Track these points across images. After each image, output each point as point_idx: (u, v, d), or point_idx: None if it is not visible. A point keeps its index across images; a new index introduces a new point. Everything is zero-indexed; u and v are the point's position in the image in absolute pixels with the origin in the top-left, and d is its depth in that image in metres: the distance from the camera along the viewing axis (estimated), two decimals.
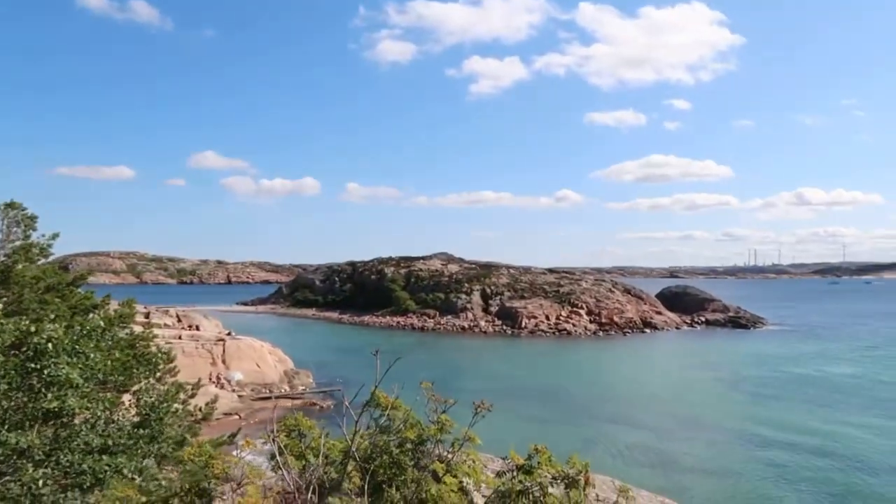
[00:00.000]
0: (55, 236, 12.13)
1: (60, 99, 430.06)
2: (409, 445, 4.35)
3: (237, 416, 39.97)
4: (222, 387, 45.37)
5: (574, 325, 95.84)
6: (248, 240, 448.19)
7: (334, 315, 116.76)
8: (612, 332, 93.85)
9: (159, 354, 12.13)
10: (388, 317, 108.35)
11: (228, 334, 54.14)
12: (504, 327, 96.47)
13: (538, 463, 4.07)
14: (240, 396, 44.37)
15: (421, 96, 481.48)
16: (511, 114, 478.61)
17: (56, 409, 6.53)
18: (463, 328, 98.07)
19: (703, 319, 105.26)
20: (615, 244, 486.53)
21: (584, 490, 3.93)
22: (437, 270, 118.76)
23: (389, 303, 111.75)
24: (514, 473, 3.94)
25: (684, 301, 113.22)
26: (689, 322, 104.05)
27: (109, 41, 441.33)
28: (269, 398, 44.93)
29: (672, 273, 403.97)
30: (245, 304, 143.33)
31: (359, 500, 3.70)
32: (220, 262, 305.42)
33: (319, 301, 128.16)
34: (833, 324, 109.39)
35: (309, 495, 3.60)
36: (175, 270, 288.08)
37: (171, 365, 14.05)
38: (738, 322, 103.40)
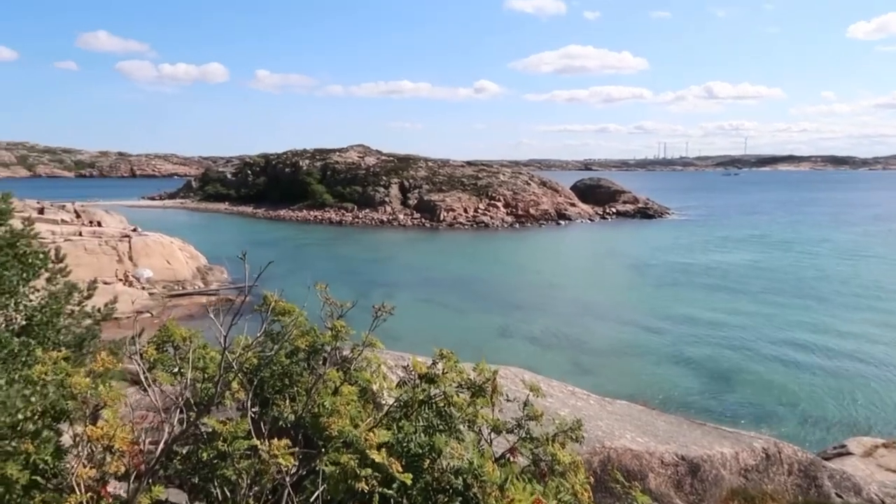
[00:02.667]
0: None
1: None
2: (301, 355, 3.96)
3: (149, 315, 38.84)
4: (131, 284, 43.73)
5: (492, 217, 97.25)
6: (152, 130, 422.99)
7: (248, 209, 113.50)
8: (528, 224, 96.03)
9: (40, 254, 11.16)
10: (304, 211, 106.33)
11: (134, 230, 51.59)
12: (423, 220, 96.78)
13: (442, 371, 3.79)
14: (150, 294, 42.96)
15: None
16: None
17: None
18: (381, 222, 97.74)
19: (614, 211, 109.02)
20: (533, 136, 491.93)
21: (492, 398, 3.71)
22: (353, 163, 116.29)
23: (305, 196, 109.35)
24: (417, 382, 3.65)
25: (597, 193, 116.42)
26: (601, 213, 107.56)
27: None
28: (182, 295, 43.82)
29: (587, 166, 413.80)
30: (152, 198, 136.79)
31: (239, 415, 3.33)
32: (121, 154, 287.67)
33: (232, 195, 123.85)
34: (732, 213, 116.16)
35: (177, 415, 3.19)
36: (72, 163, 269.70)
37: (62, 265, 13.05)
38: (647, 213, 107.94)
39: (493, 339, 35.08)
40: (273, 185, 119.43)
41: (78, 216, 52.69)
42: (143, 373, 3.22)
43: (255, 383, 3.81)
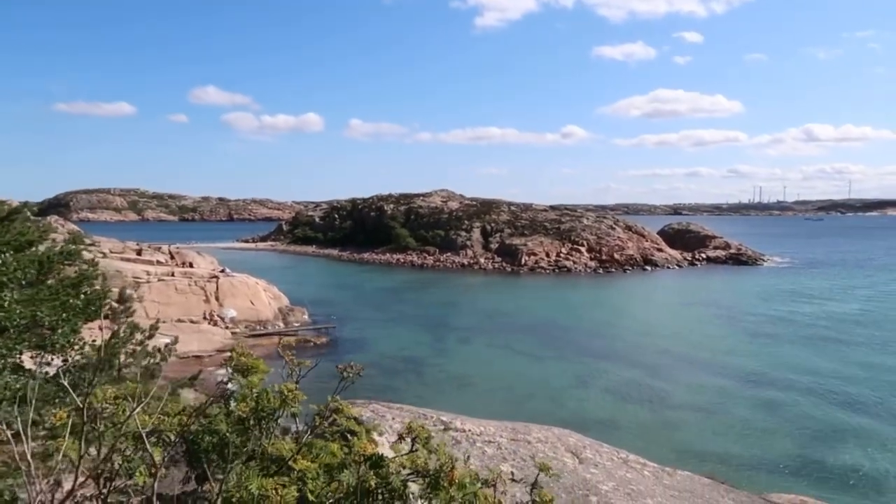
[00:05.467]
0: None
1: (59, 33, 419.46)
2: (251, 422, 3.46)
3: (229, 354, 39.79)
4: (215, 324, 45.16)
5: (574, 262, 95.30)
6: (251, 177, 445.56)
7: (334, 252, 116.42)
8: (613, 270, 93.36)
9: (101, 295, 11.35)
10: (387, 254, 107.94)
11: (222, 271, 53.60)
12: (504, 264, 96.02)
13: (412, 448, 3.17)
14: (233, 334, 44.14)
15: (425, 30, 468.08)
16: (517, 48, 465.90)
17: None
18: (463, 265, 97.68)
19: (704, 256, 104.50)
20: (620, 181, 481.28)
21: (449, 491, 3.05)
22: (437, 207, 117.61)
23: (389, 240, 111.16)
24: (364, 466, 3.06)
25: (686, 238, 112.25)
26: (689, 259, 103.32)
27: None
28: (262, 335, 44.78)
29: (676, 210, 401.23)
30: (245, 241, 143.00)
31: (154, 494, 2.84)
32: (221, 200, 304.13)
33: (319, 238, 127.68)
34: (836, 260, 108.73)
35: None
36: (177, 207, 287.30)
37: (127, 304, 13.38)
38: (740, 259, 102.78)
39: (567, 388, 33.65)
40: (359, 228, 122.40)
41: (172, 257, 55.35)
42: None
43: (190, 453, 3.36)
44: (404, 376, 36.05)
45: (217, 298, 48.14)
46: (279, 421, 3.85)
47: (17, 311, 6.92)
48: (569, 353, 41.90)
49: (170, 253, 56.26)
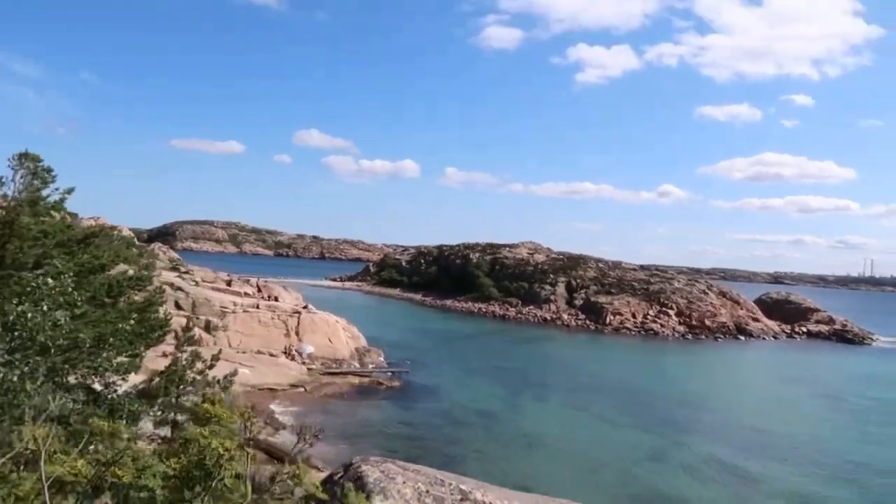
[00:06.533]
0: (70, 191, 11.59)
1: (177, 74, 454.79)
2: (185, 480, 3.01)
3: (303, 389, 40.18)
4: (293, 358, 45.87)
5: (662, 325, 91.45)
6: (345, 217, 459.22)
7: (417, 296, 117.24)
8: (703, 336, 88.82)
9: (163, 322, 11.48)
10: (469, 302, 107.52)
11: (305, 307, 54.72)
12: (587, 322, 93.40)
13: None
14: (309, 369, 44.63)
15: (524, 84, 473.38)
16: (617, 105, 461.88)
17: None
18: (545, 319, 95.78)
19: (804, 330, 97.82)
20: (717, 245, 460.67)
21: None
22: (522, 259, 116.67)
23: (472, 288, 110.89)
24: None
25: (785, 309, 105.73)
26: (788, 332, 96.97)
27: (227, 21, 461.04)
28: (336, 374, 45.02)
29: (777, 279, 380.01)
30: (333, 279, 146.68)
31: None
32: (315, 238, 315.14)
33: (404, 281, 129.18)
34: None
35: None
36: (273, 242, 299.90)
37: (190, 333, 13.59)
38: (845, 336, 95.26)
39: (641, 461, 31.56)
40: (443, 274, 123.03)
41: (259, 290, 57.15)
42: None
43: None
44: (472, 429, 35.04)
45: (297, 333, 49.04)
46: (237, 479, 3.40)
47: (63, 332, 6.91)
48: (648, 421, 39.59)
49: (257, 286, 58.16)
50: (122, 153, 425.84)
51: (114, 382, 8.79)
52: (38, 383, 6.54)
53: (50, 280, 7.14)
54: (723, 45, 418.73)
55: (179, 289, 49.85)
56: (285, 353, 46.30)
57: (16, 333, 6.77)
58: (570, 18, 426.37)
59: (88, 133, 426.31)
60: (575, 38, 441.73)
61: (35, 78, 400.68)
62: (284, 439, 29.14)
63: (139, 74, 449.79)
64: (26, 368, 6.42)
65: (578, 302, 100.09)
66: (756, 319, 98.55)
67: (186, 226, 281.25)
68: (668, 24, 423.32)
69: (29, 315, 6.68)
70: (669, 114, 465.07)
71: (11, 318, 6.71)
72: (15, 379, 5.87)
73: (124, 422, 6.89)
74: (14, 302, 6.51)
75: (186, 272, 56.14)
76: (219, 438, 3.50)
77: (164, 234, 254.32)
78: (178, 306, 47.78)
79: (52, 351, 6.92)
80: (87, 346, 7.74)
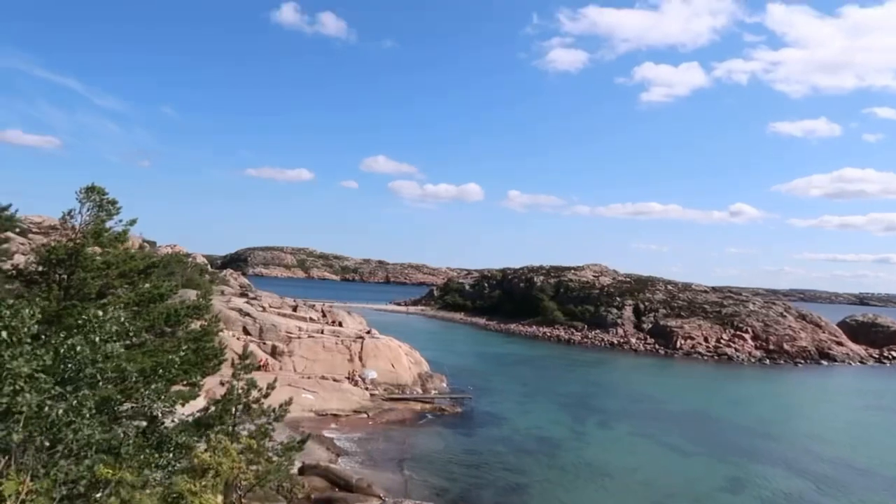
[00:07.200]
0: (132, 222, 12.02)
1: (250, 106, 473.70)
2: None
3: (365, 415, 40.29)
4: (356, 384, 46.16)
5: (737, 349, 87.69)
6: (410, 241, 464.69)
7: (481, 321, 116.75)
8: (781, 362, 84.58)
9: (218, 351, 11.65)
10: (534, 326, 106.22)
11: (368, 332, 55.23)
12: (657, 346, 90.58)
13: None
14: (372, 395, 44.79)
15: (589, 105, 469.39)
16: (684, 123, 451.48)
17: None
18: (611, 344, 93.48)
19: (894, 355, 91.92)
20: (795, 265, 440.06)
21: None
22: (588, 282, 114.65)
23: (537, 312, 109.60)
24: None
25: (872, 332, 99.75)
26: (876, 357, 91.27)
27: (297, 54, 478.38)
28: (399, 399, 45.01)
29: (862, 300, 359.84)
30: (398, 303, 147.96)
31: None
32: (380, 262, 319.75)
33: (468, 306, 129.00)
34: None
35: None
36: (339, 267, 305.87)
37: (247, 361, 13.73)
38: None
39: (714, 492, 29.99)
40: (507, 298, 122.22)
41: (324, 315, 58.07)
42: None
43: None
44: (535, 457, 34.22)
45: (360, 359, 49.43)
46: None
47: (112, 365, 7.05)
48: (722, 451, 37.75)
49: (322, 311, 59.12)
50: (199, 183, 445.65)
51: (166, 413, 8.90)
52: (87, 416, 6.65)
53: (100, 312, 7.33)
54: (797, 59, 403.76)
55: (248, 314, 51.23)
56: (348, 378, 46.67)
57: (66, 366, 6.94)
58: (635, 38, 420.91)
59: (168, 164, 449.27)
60: (640, 57, 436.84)
61: (119, 112, 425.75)
62: (345, 466, 29.24)
63: (215, 107, 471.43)
64: (75, 402, 6.54)
65: (647, 325, 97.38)
66: (840, 343, 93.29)
67: (258, 252, 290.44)
68: (738, 39, 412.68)
69: (77, 348, 6.86)
70: (741, 131, 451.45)
71: (63, 350, 6.89)
72: (60, 412, 5.98)
73: (164, 455, 6.94)
74: (62, 335, 6.69)
75: (254, 297, 57.64)
76: (205, 496, 3.40)
77: (237, 261, 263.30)
78: (245, 331, 49.08)
79: (101, 383, 7.08)
80: (134, 378, 7.92)
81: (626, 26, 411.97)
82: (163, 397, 8.19)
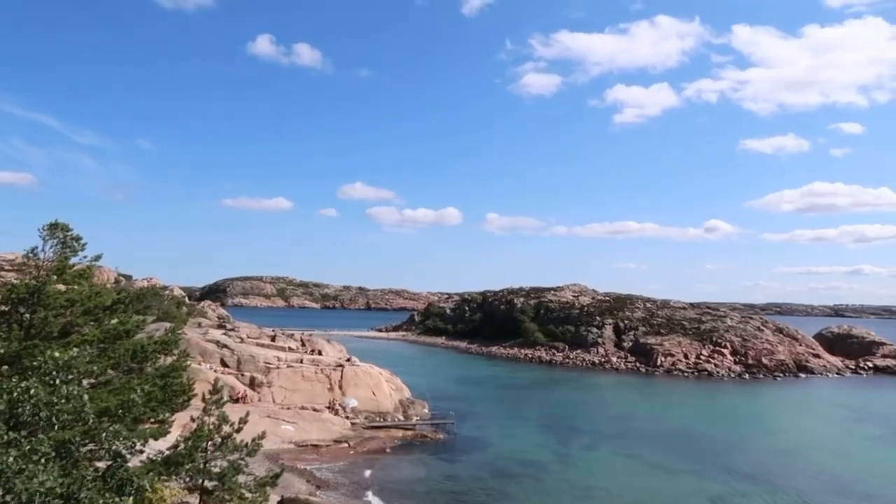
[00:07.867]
0: (97, 258, 11.79)
1: (226, 137, 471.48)
2: None
3: (346, 445, 39.68)
4: (336, 413, 45.52)
5: (716, 365, 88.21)
6: (390, 267, 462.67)
7: (462, 344, 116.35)
8: (760, 376, 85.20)
9: (186, 388, 11.39)
10: (515, 348, 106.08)
11: (348, 360, 54.67)
12: (637, 364, 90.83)
13: None
14: (353, 424, 44.18)
15: (563, 127, 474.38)
16: (657, 142, 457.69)
17: None
18: (593, 363, 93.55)
19: (870, 365, 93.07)
20: (770, 279, 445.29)
21: None
22: (567, 302, 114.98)
23: (518, 334, 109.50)
24: None
25: (848, 344, 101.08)
26: (853, 368, 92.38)
27: (275, 83, 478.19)
28: (380, 427, 44.44)
29: (837, 312, 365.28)
30: (379, 329, 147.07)
31: None
32: (361, 289, 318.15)
33: (449, 330, 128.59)
34: None
35: None
36: (319, 295, 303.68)
37: (217, 396, 13.41)
38: None
39: None
40: (488, 321, 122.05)
41: (303, 344, 57.44)
42: None
43: None
44: (520, 481, 33.90)
45: (340, 387, 48.85)
46: None
47: (70, 406, 6.83)
48: (706, 468, 37.73)
49: (301, 340, 58.47)
50: (177, 215, 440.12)
51: (133, 453, 8.64)
52: (42, 461, 6.41)
53: (56, 354, 7.11)
54: (763, 78, 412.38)
55: (225, 346, 50.50)
56: (329, 407, 46.03)
57: (21, 410, 6.71)
58: (606, 61, 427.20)
59: (145, 197, 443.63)
60: (612, 79, 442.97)
61: (96, 146, 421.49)
62: (326, 498, 28.71)
63: (191, 139, 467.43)
64: (28, 447, 6.31)
65: (627, 344, 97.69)
66: (817, 356, 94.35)
67: (236, 282, 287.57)
68: (706, 59, 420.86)
69: (31, 391, 6.63)
70: (712, 149, 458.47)
71: (15, 394, 6.66)
72: (10, 460, 5.75)
73: (124, 500, 6.69)
74: (13, 379, 6.47)
75: (232, 329, 56.90)
76: None
77: (216, 292, 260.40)
78: (223, 363, 48.33)
79: (57, 427, 6.84)
80: (92, 419, 7.69)
81: (597, 50, 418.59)
82: (123, 437, 7.96)
